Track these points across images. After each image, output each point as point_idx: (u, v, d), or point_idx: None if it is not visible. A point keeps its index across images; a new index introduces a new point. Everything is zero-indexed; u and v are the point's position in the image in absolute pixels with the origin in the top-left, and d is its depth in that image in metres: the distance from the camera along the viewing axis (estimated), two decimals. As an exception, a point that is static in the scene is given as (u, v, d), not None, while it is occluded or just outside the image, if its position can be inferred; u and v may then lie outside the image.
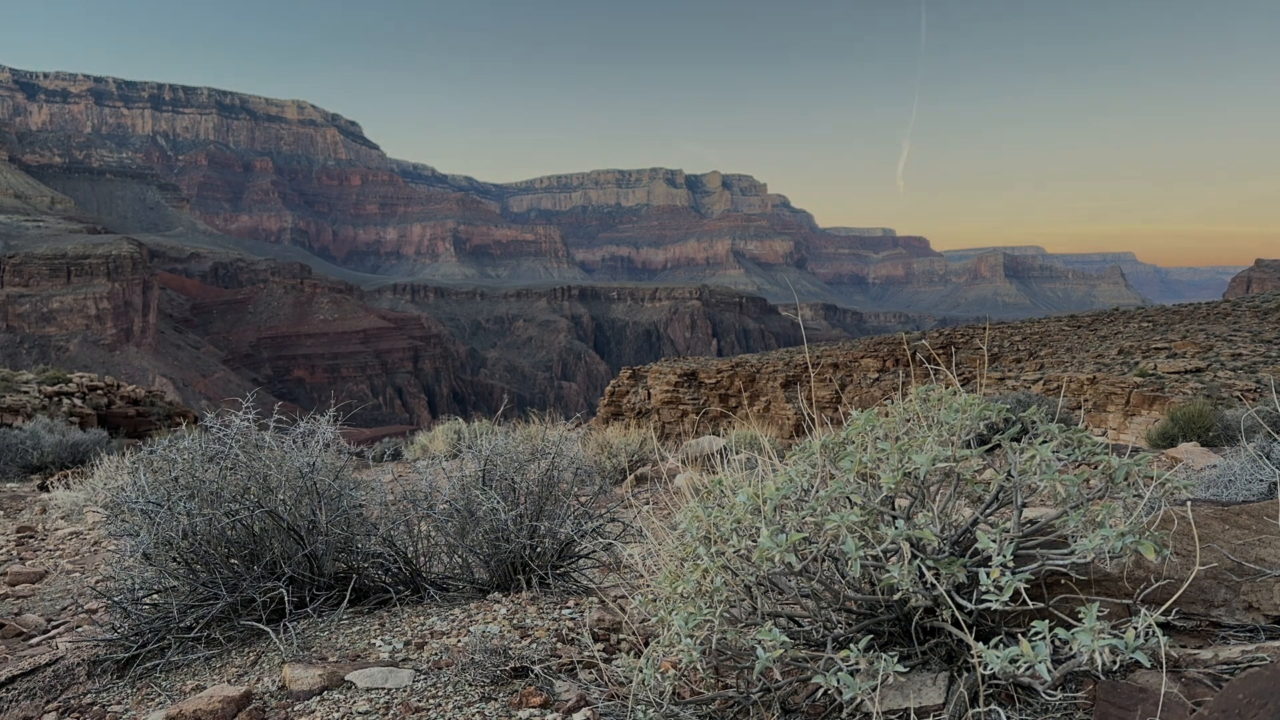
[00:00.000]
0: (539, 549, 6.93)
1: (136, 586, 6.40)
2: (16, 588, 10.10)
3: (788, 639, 3.62)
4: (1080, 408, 48.74)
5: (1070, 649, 3.21)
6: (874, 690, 3.36)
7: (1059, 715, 3.65)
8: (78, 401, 37.41)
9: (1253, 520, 4.70)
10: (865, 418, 4.37)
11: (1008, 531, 3.72)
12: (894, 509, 4.07)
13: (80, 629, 7.81)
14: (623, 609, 5.86)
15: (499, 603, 6.30)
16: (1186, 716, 3.27)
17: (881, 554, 3.84)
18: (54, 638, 7.79)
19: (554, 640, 5.48)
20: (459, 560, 7.14)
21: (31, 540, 13.33)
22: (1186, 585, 3.70)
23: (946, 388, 4.47)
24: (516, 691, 4.59)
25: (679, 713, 4.04)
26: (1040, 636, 3.17)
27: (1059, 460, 3.84)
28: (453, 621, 5.96)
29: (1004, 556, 3.44)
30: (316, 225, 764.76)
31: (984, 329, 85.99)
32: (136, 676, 5.85)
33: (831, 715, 3.95)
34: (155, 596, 6.43)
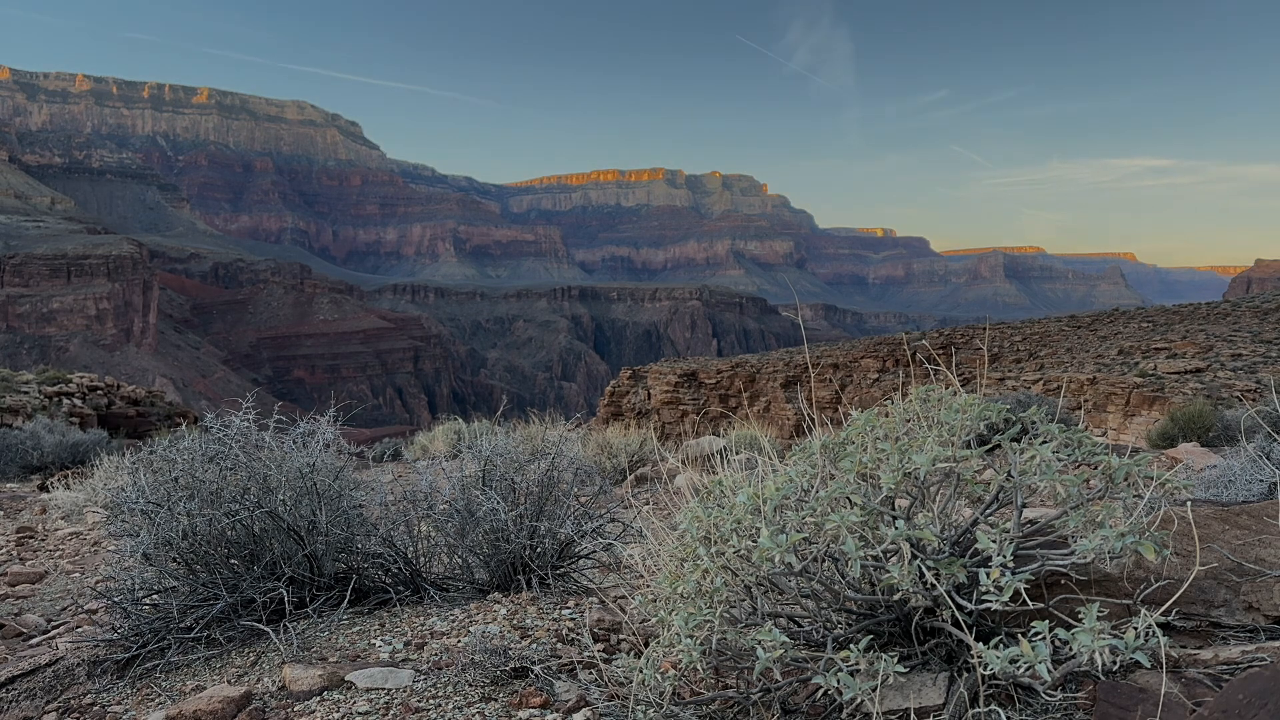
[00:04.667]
0: (539, 549, 6.93)
1: (136, 587, 6.40)
2: (16, 588, 10.10)
3: (788, 639, 3.62)
4: (1080, 408, 48.74)
5: (1070, 649, 3.21)
6: (874, 690, 3.36)
7: (1059, 715, 3.65)
8: (78, 402, 37.41)
9: (1253, 520, 4.70)
10: (865, 418, 4.37)
11: (1008, 532, 3.72)
12: (894, 509, 4.07)
13: (80, 629, 7.81)
14: (623, 609, 5.86)
15: (499, 603, 6.30)
16: (1186, 716, 3.27)
17: (881, 554, 3.84)
18: (54, 638, 7.78)
19: (554, 641, 5.48)
20: (459, 560, 7.14)
21: (31, 540, 13.33)
22: (1186, 585, 3.70)
23: (946, 388, 4.47)
24: (516, 692, 4.59)
25: (679, 713, 4.04)
26: (1040, 637, 3.17)
27: (1059, 461, 3.84)
28: (453, 622, 5.96)
29: (1004, 557, 3.44)
30: (316, 225, 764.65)
31: (984, 329, 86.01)
32: (136, 677, 5.85)
33: (831, 715, 3.95)
34: (155, 597, 6.43)
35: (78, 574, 10.92)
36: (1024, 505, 3.88)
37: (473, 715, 4.40)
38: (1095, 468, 3.87)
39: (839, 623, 4.30)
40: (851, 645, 3.49)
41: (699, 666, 3.97)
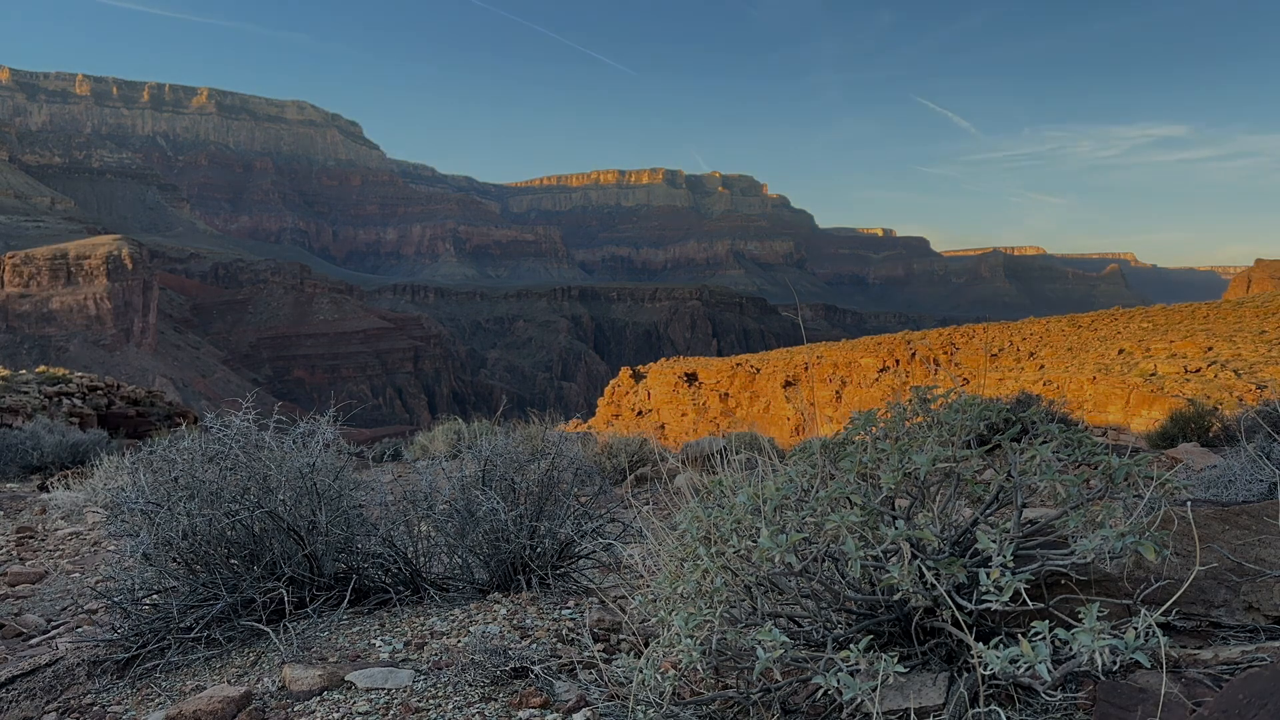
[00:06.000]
0: (539, 549, 6.93)
1: (136, 587, 6.40)
2: (16, 588, 10.10)
3: (788, 639, 3.62)
4: (1080, 408, 48.76)
5: (1070, 649, 3.21)
6: (874, 690, 3.36)
7: (1059, 715, 3.65)
8: (78, 402, 37.43)
9: (1253, 520, 4.70)
10: (865, 418, 4.37)
11: (1008, 532, 3.72)
12: (894, 509, 4.08)
13: (80, 629, 7.81)
14: (623, 609, 5.86)
15: (499, 603, 6.30)
16: (1186, 717, 3.27)
17: (881, 554, 3.84)
18: (54, 638, 7.78)
19: (554, 641, 5.48)
20: (459, 560, 7.14)
21: (31, 540, 13.32)
22: (1186, 585, 3.70)
23: (947, 388, 4.47)
24: (516, 692, 4.59)
25: (679, 713, 4.04)
26: (1040, 637, 3.17)
27: (1059, 461, 3.84)
28: (453, 622, 5.97)
29: (1004, 557, 3.44)
30: (316, 225, 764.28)
31: (984, 329, 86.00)
32: (136, 677, 5.85)
33: (832, 715, 3.95)
34: (155, 597, 6.43)
35: (78, 574, 10.91)
36: (1024, 505, 3.89)
37: (473, 715, 4.40)
38: (1095, 468, 3.87)
39: (839, 623, 4.30)
40: (851, 645, 3.49)
41: (699, 666, 3.97)
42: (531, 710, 4.38)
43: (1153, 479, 3.75)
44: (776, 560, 3.83)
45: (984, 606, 3.48)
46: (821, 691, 3.89)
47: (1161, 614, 3.22)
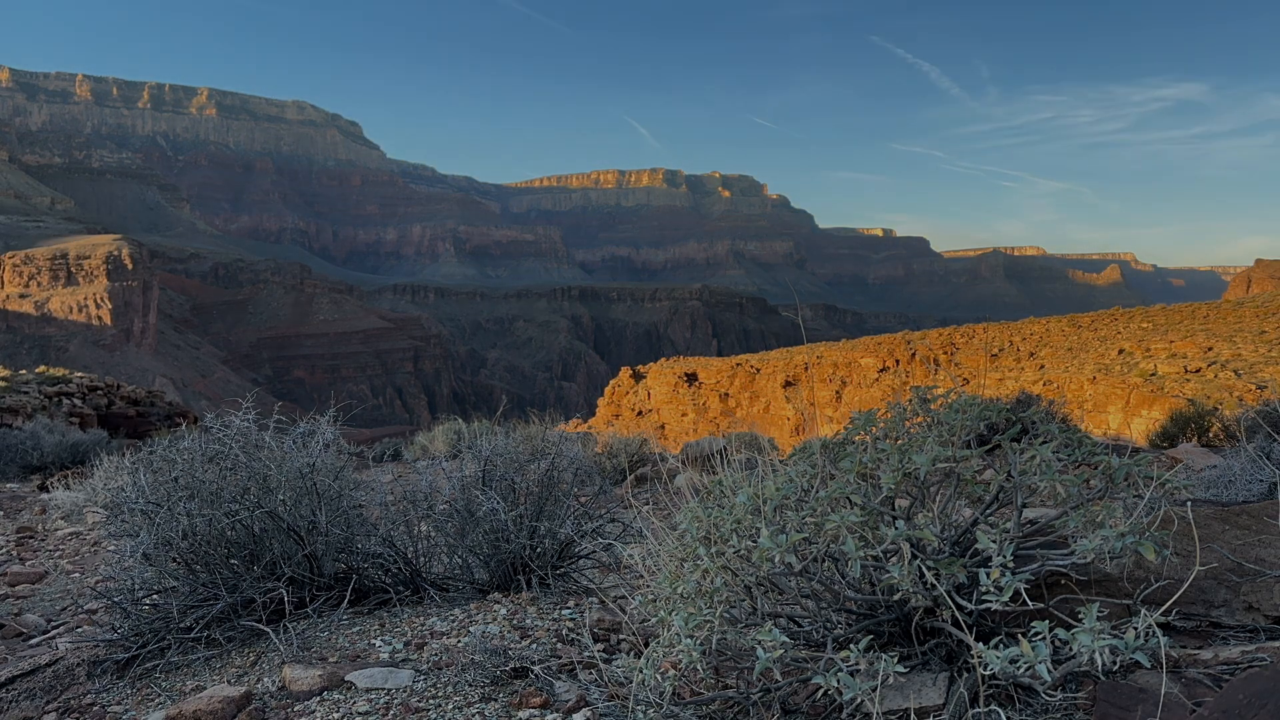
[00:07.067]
0: (539, 549, 6.93)
1: (136, 587, 6.41)
2: (16, 588, 10.10)
3: (788, 639, 3.62)
4: (1081, 408, 48.77)
5: (1070, 649, 3.21)
6: (874, 690, 3.36)
7: (1059, 715, 3.65)
8: (78, 402, 37.43)
9: (1253, 520, 4.71)
10: (865, 418, 4.37)
11: (1008, 532, 3.73)
12: (894, 509, 4.08)
13: (80, 629, 7.81)
14: (623, 609, 5.86)
15: (499, 603, 6.30)
16: (1186, 717, 3.27)
17: (881, 554, 3.84)
18: (54, 638, 7.78)
19: (554, 641, 5.48)
20: (459, 561, 7.14)
21: (31, 540, 13.33)
22: (1186, 586, 3.70)
23: (947, 388, 4.47)
24: (516, 692, 4.59)
25: (679, 713, 4.04)
26: (1040, 637, 3.17)
27: (1059, 461, 3.84)
28: (453, 622, 5.97)
29: (1004, 557, 3.44)
30: (316, 225, 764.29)
31: (984, 329, 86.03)
32: (136, 677, 5.85)
33: (832, 715, 3.95)
34: (155, 597, 6.44)
35: (78, 574, 10.91)
36: (1024, 505, 3.89)
37: (473, 715, 4.40)
38: (1095, 468, 3.87)
39: (839, 623, 4.30)
40: (851, 645, 3.49)
41: (699, 666, 3.97)
42: (531, 710, 4.39)
43: (1153, 479, 3.75)
44: (776, 560, 3.83)
45: (984, 606, 3.48)
46: (821, 691, 3.89)
47: (1161, 614, 3.22)
